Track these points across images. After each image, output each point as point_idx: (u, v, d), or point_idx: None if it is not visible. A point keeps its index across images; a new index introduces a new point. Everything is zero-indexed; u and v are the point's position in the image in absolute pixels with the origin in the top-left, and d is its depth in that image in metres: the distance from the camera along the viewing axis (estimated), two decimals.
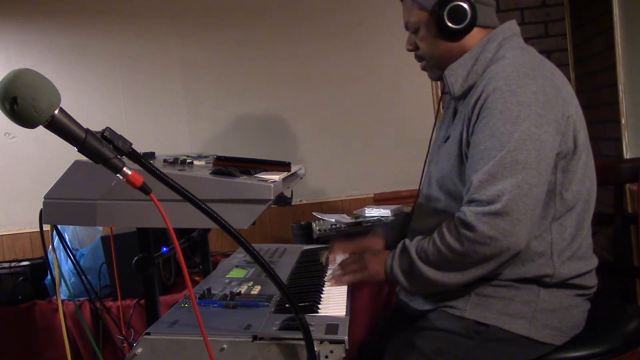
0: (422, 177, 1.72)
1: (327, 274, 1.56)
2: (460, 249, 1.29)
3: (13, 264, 2.42)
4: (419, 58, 1.56)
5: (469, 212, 1.28)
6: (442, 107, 1.72)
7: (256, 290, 1.44)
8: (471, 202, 1.30)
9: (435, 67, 1.53)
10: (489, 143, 1.30)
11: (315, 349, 1.03)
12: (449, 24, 1.43)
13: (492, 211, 1.25)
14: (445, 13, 1.43)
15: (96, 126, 0.91)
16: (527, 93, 1.30)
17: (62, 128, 0.85)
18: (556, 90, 1.35)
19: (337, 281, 1.47)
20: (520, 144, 1.27)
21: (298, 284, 1.51)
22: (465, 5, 1.42)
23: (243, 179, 1.18)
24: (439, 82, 2.95)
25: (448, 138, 1.51)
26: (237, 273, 1.63)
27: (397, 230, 1.73)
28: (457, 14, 1.43)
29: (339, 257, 1.70)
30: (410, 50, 1.57)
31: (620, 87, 2.54)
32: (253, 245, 0.95)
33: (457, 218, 1.32)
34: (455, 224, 1.32)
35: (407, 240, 1.43)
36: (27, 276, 2.34)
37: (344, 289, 1.44)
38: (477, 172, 1.29)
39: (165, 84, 3.04)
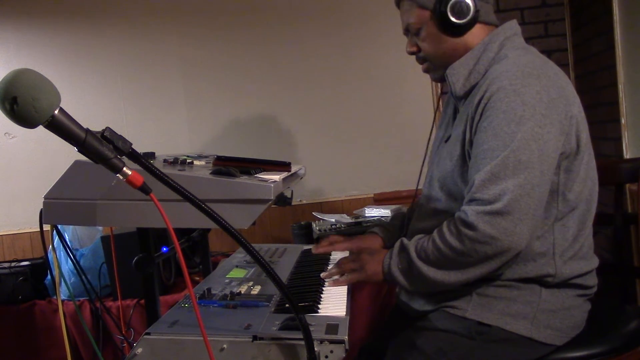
0: (419, 177, 1.72)
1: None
2: (461, 248, 1.29)
3: (13, 264, 2.42)
4: (422, 60, 1.55)
5: (470, 212, 1.28)
6: (441, 107, 1.72)
7: (256, 290, 1.44)
8: (472, 201, 1.30)
9: (440, 67, 1.52)
10: (492, 143, 1.30)
11: (315, 349, 1.03)
12: (453, 19, 1.43)
13: (493, 210, 1.25)
14: (448, 8, 1.43)
15: (96, 126, 0.91)
16: (531, 93, 1.30)
17: (62, 128, 0.85)
18: (559, 90, 1.34)
19: (335, 282, 1.47)
20: (524, 144, 1.27)
21: (298, 284, 1.51)
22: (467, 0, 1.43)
23: (243, 179, 1.17)
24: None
25: (449, 138, 1.51)
26: (237, 273, 1.63)
27: (394, 232, 1.73)
28: (461, 8, 1.43)
29: (338, 255, 1.70)
30: (411, 53, 1.55)
31: (620, 87, 2.54)
32: (253, 245, 0.95)
33: (457, 217, 1.32)
34: (455, 223, 1.31)
35: (404, 240, 1.42)
36: (27, 276, 2.34)
37: (344, 289, 1.44)
38: (480, 172, 1.29)
39: (165, 84, 3.04)
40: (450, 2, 1.43)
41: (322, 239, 1.74)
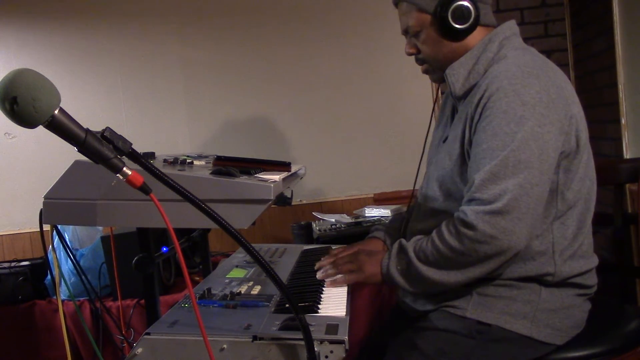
0: (416, 177, 1.72)
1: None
2: (460, 248, 1.29)
3: (13, 264, 2.42)
4: (421, 61, 1.55)
5: (469, 211, 1.28)
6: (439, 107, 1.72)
7: (256, 290, 1.44)
8: (472, 200, 1.30)
9: (439, 69, 1.51)
10: (491, 142, 1.30)
11: (315, 349, 1.03)
12: (454, 25, 1.43)
13: (493, 210, 1.25)
14: (449, 14, 1.42)
15: (96, 126, 0.91)
16: (531, 93, 1.30)
17: (62, 128, 0.85)
18: (559, 90, 1.34)
19: (332, 282, 1.46)
20: (523, 144, 1.27)
21: (298, 284, 1.51)
22: (468, 4, 1.42)
23: (243, 179, 1.17)
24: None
25: (447, 138, 1.51)
26: (237, 273, 1.63)
27: (395, 235, 1.72)
28: (462, 14, 1.42)
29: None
30: (410, 55, 1.55)
31: (620, 87, 2.54)
32: (253, 245, 0.95)
33: (456, 217, 1.32)
34: (455, 223, 1.31)
35: (403, 240, 1.42)
36: (27, 276, 2.34)
37: (343, 289, 1.44)
38: (479, 171, 1.29)
39: (165, 84, 3.04)
40: (451, 7, 1.42)
41: (325, 257, 1.61)
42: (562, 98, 1.34)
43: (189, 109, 3.06)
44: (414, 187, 1.73)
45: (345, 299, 1.37)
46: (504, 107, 1.30)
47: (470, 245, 1.27)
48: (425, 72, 1.57)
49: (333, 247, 1.79)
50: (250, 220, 1.15)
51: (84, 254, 2.33)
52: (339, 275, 1.47)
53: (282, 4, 3.05)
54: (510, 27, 1.48)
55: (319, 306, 1.32)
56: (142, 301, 2.17)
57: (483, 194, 1.27)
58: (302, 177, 1.68)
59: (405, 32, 1.53)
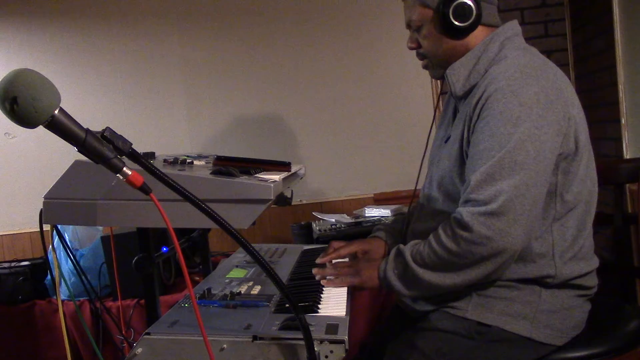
0: (417, 178, 1.71)
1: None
2: (456, 249, 1.28)
3: (13, 264, 2.42)
4: (421, 56, 1.55)
5: (465, 212, 1.28)
6: (441, 107, 1.72)
7: (256, 290, 1.44)
8: (468, 201, 1.30)
9: (438, 66, 1.52)
10: (488, 143, 1.29)
11: (315, 349, 1.03)
12: (455, 22, 1.43)
13: (488, 211, 1.25)
14: (450, 11, 1.42)
15: (96, 126, 0.91)
16: (529, 94, 1.30)
17: (62, 128, 0.85)
18: (558, 91, 1.34)
19: (328, 282, 1.46)
20: (520, 145, 1.27)
21: (298, 284, 1.51)
22: (470, 3, 1.42)
23: (243, 179, 1.17)
24: (439, 82, 2.95)
25: (448, 138, 1.50)
26: (237, 273, 1.63)
27: (397, 236, 1.71)
28: (463, 12, 1.42)
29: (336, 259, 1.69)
30: (412, 49, 1.55)
31: (620, 87, 2.54)
32: (253, 245, 0.95)
33: (452, 218, 1.32)
34: (451, 224, 1.31)
35: (401, 245, 1.42)
36: (27, 276, 2.34)
37: (344, 289, 1.44)
38: (475, 172, 1.29)
39: (165, 84, 3.04)
40: (453, 4, 1.42)
41: (327, 249, 1.65)
42: (561, 99, 1.34)
43: (189, 109, 3.06)
44: (415, 187, 1.73)
45: (345, 299, 1.37)
46: (501, 108, 1.30)
47: (466, 247, 1.27)
48: (425, 67, 1.57)
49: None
50: (250, 220, 1.15)
51: (84, 254, 2.33)
52: (335, 277, 1.47)
53: (282, 4, 3.05)
54: (512, 27, 1.47)
55: (319, 306, 1.32)
56: (142, 301, 2.17)
57: (479, 195, 1.27)
58: (302, 177, 1.68)
59: (408, 25, 1.53)
